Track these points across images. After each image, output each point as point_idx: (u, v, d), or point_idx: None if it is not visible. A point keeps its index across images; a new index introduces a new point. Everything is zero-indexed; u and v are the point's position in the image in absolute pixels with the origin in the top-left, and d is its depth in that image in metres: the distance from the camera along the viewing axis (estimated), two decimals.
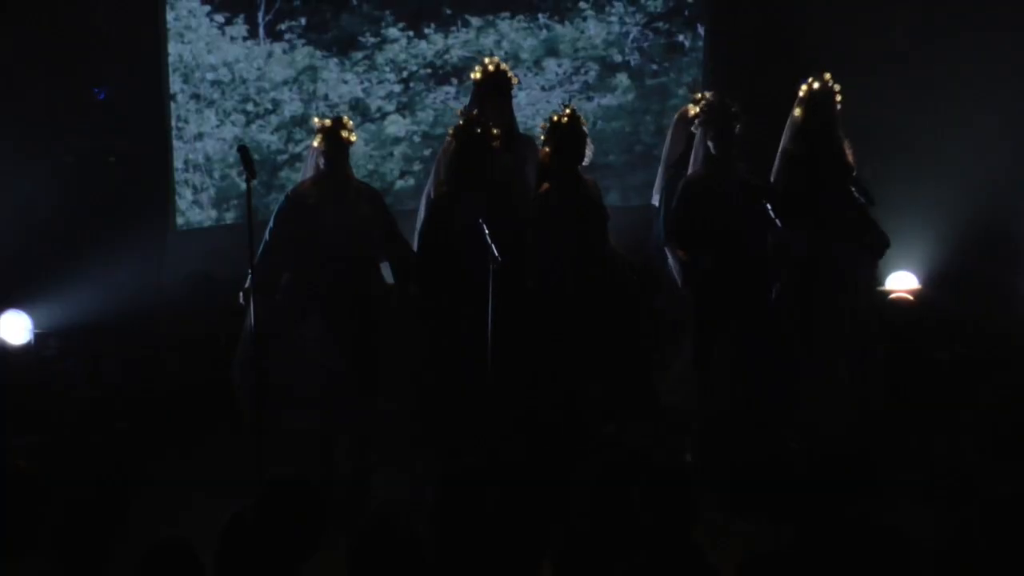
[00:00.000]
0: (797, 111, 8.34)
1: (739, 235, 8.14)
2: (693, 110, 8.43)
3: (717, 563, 5.26)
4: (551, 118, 8.04)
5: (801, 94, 8.31)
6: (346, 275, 7.82)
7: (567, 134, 7.95)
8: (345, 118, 7.91)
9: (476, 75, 8.47)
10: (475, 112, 8.23)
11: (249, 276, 7.69)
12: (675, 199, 8.33)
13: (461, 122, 7.95)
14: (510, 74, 8.53)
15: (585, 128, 8.06)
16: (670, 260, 8.29)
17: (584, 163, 8.11)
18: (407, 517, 5.53)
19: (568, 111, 8.03)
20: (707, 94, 8.42)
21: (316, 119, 7.98)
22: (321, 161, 7.84)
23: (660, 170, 8.73)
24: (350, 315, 7.84)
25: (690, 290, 8.28)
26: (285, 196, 8.06)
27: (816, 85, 8.26)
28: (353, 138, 7.88)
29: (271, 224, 7.93)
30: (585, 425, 7.96)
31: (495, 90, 8.41)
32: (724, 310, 8.21)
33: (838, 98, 8.26)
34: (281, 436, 7.91)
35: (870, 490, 6.28)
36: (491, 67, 8.43)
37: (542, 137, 8.11)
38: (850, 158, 8.34)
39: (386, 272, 8.12)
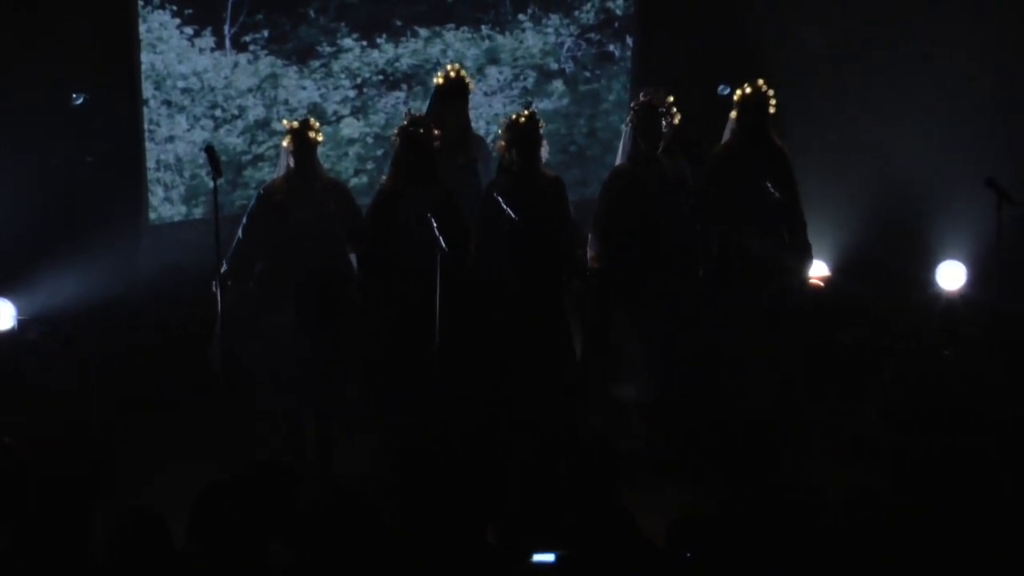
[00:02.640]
0: (733, 113, 8.54)
1: (658, 226, 8.37)
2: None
3: (650, 527, 5.56)
4: (511, 117, 8.23)
5: (736, 98, 8.53)
6: (314, 266, 8.03)
7: (525, 132, 8.14)
8: (312, 120, 8.09)
9: (439, 80, 8.77)
10: (422, 113, 8.43)
11: (224, 265, 7.94)
12: (601, 189, 8.56)
13: (405, 122, 8.13)
14: (468, 79, 8.84)
15: (542, 129, 8.23)
16: (589, 242, 8.42)
17: (541, 161, 8.26)
18: (367, 488, 5.68)
19: (528, 112, 8.23)
20: (642, 95, 8.47)
21: (285, 121, 8.16)
22: (291, 160, 8.03)
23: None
24: (319, 304, 8.04)
25: (597, 274, 8.40)
26: (257, 193, 8.23)
27: (749, 89, 8.47)
28: (320, 138, 8.05)
29: (244, 219, 8.14)
30: (526, 409, 8.15)
31: (455, 93, 8.73)
32: (636, 298, 8.42)
33: (772, 102, 8.46)
34: (253, 414, 8.18)
35: (786, 458, 6.83)
36: (452, 73, 8.74)
37: (499, 132, 8.28)
38: (785, 153, 8.54)
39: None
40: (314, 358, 8.08)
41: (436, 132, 8.12)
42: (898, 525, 5.30)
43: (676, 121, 8.42)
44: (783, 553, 5.25)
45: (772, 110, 8.53)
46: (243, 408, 8.07)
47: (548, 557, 5.13)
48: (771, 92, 8.50)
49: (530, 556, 5.22)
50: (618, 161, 8.63)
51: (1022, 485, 5.59)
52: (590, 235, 8.44)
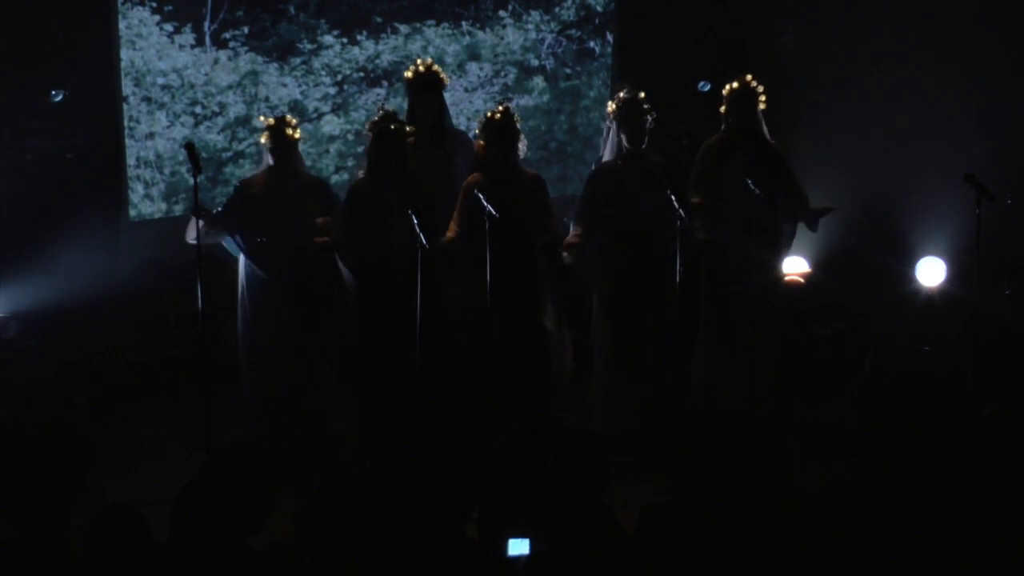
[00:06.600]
0: (722, 109, 8.53)
1: (642, 221, 8.32)
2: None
3: (625, 521, 5.37)
4: (487, 113, 8.24)
5: (724, 93, 8.52)
6: (292, 260, 8.06)
7: (500, 128, 8.15)
8: (288, 116, 8.16)
9: (409, 74, 8.71)
10: (391, 109, 8.36)
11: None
12: (585, 185, 8.53)
13: (377, 117, 8.12)
14: (441, 74, 8.72)
15: (518, 124, 8.23)
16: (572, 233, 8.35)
17: (519, 157, 8.28)
18: (351, 486, 5.84)
19: (502, 108, 8.22)
20: (623, 92, 8.46)
21: (262, 118, 8.19)
22: (269, 157, 8.08)
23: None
24: (298, 296, 8.11)
25: (596, 268, 8.41)
26: (235, 186, 8.32)
27: (736, 85, 8.47)
28: (297, 135, 8.09)
29: (224, 204, 8.22)
30: (506, 403, 7.97)
31: (426, 87, 8.64)
32: (628, 293, 8.38)
33: (762, 98, 8.46)
34: (237, 406, 8.24)
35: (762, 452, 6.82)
36: (423, 67, 8.66)
37: (477, 131, 8.32)
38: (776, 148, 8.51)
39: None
40: (296, 350, 8.14)
41: (409, 127, 8.14)
42: (873, 519, 5.16)
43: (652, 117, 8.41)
44: (756, 546, 5.18)
45: (762, 106, 8.54)
46: (227, 400, 8.10)
47: (523, 547, 5.11)
48: (760, 88, 8.51)
49: (506, 549, 5.20)
50: (601, 156, 8.65)
51: (997, 481, 5.58)
52: (571, 229, 8.42)
